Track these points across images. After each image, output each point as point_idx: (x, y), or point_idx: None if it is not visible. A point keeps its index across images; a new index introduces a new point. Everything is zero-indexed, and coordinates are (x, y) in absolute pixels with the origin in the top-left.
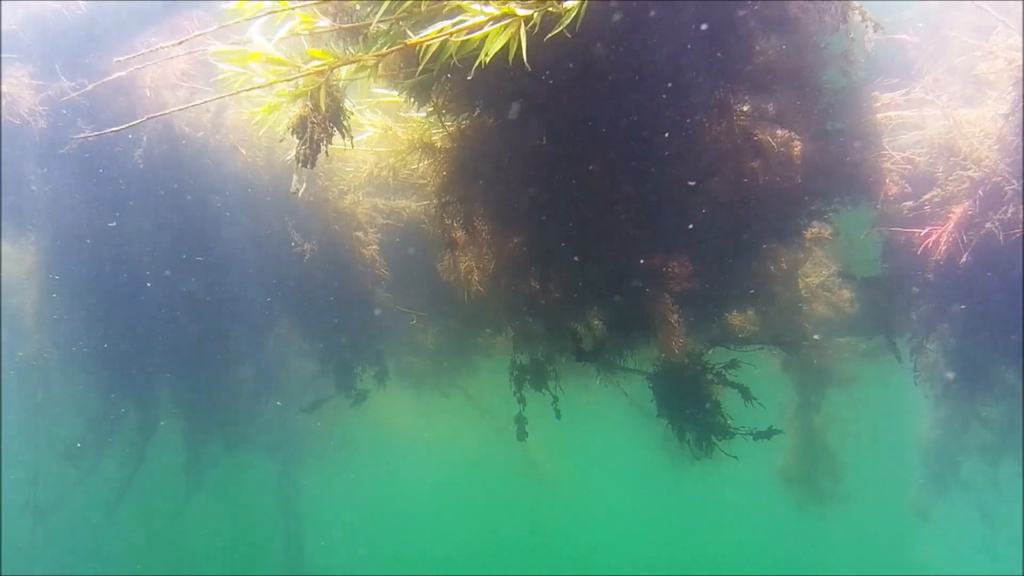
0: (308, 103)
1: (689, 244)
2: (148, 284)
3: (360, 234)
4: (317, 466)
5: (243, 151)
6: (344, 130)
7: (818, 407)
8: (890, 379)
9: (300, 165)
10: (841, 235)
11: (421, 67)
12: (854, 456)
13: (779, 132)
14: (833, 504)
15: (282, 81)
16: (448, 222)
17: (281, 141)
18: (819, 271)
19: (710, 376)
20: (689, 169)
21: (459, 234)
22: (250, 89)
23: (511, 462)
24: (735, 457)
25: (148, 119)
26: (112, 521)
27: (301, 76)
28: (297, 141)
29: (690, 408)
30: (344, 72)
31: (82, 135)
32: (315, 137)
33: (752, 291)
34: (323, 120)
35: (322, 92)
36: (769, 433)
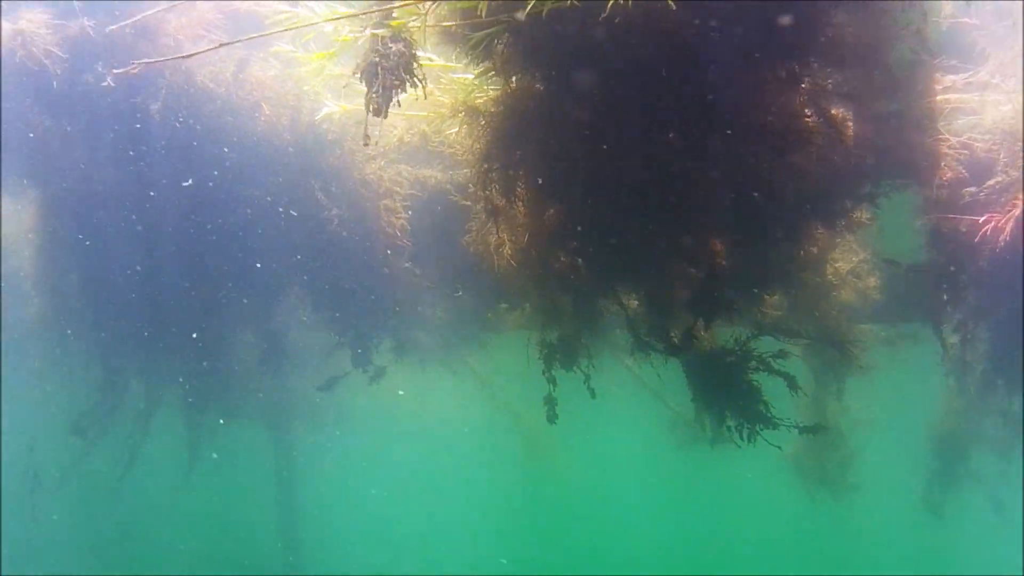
0: (379, 47)
1: (733, 222)
2: (156, 246)
3: (387, 202)
4: (313, 438)
5: (266, 108)
6: (417, 79)
7: (839, 395)
8: (905, 367)
9: (372, 114)
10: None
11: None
12: (865, 445)
13: (836, 109)
14: (844, 493)
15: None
16: (488, 190)
17: (344, 87)
18: (848, 256)
19: (754, 363)
20: (747, 145)
21: (500, 203)
22: (305, 26)
23: (511, 439)
24: (779, 447)
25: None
26: (117, 494)
27: (396, 7)
28: (366, 89)
29: (731, 396)
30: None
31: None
32: (386, 84)
33: (785, 275)
34: (396, 65)
35: (424, 25)
36: (816, 428)
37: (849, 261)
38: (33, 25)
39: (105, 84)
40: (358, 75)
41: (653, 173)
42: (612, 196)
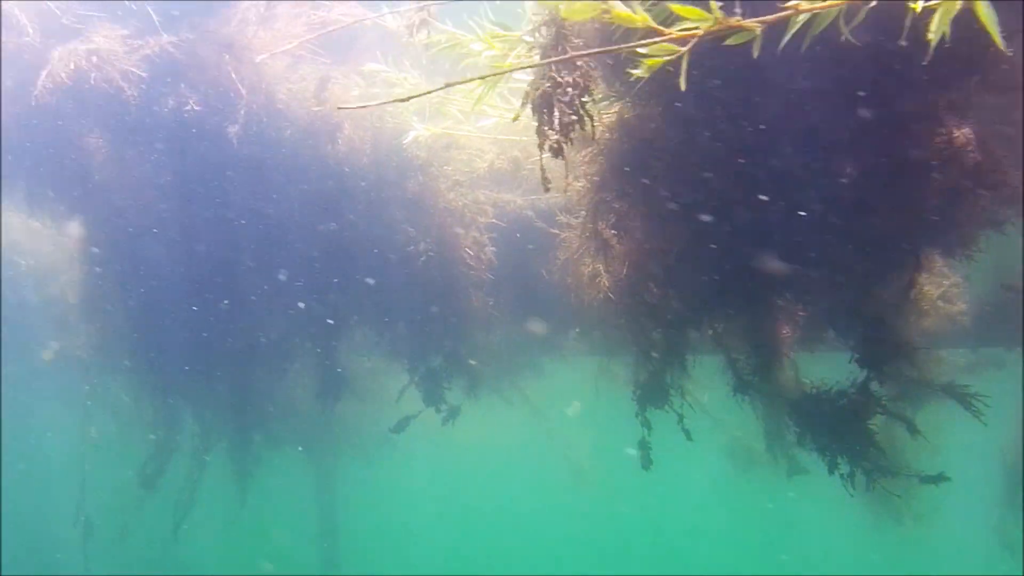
0: (554, 75)
1: (845, 255)
2: (221, 276)
3: (473, 233)
4: (354, 464)
5: (347, 130)
6: (587, 113)
7: (913, 424)
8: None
9: (551, 155)
10: None
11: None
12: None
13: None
14: (910, 523)
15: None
16: (598, 222)
17: (515, 120)
18: (938, 281)
19: (872, 407)
20: (897, 174)
21: (609, 234)
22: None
23: (560, 466)
24: (898, 496)
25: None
26: (179, 535)
27: (662, 41)
28: (536, 123)
29: (846, 441)
30: None
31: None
32: (564, 120)
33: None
34: (573, 99)
35: (684, 64)
36: (938, 478)
37: (940, 285)
38: (109, 43)
39: (188, 108)
40: (528, 106)
41: (772, 208)
42: (728, 231)
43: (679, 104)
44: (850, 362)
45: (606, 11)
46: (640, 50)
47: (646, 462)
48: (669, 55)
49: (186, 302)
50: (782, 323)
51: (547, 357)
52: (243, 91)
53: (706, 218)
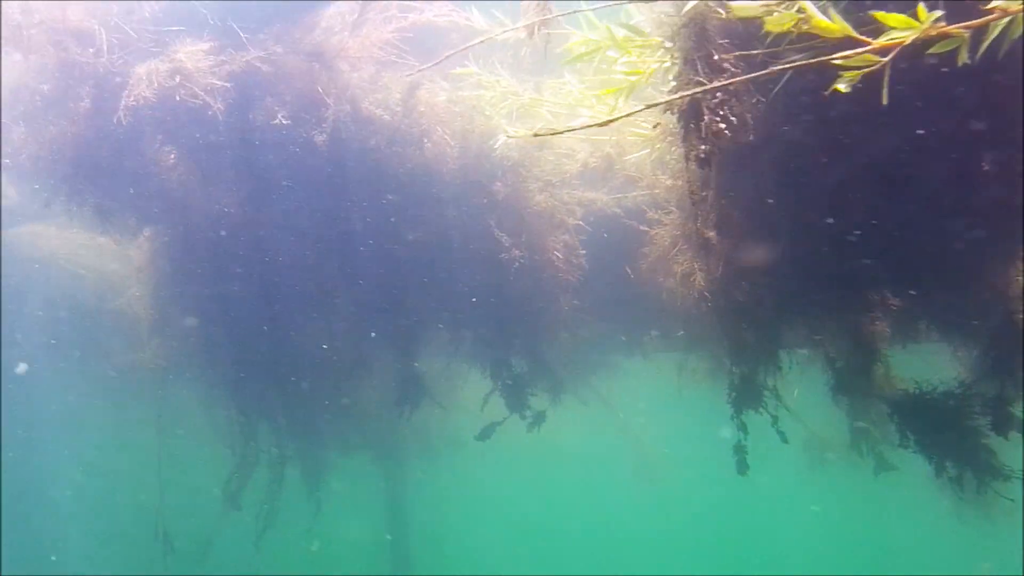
0: (702, 81)
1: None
2: (303, 289)
3: (564, 236)
4: (424, 467)
5: (435, 137)
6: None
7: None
8: None
9: (698, 166)
10: None
11: None
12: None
13: None
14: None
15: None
16: (699, 220)
17: (655, 127)
18: None
19: (979, 408)
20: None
21: (709, 233)
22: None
23: (629, 463)
24: (1011, 500)
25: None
26: (261, 550)
27: (864, 52)
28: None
29: (953, 444)
30: None
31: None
32: (713, 128)
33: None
34: (722, 103)
35: (886, 77)
36: None
37: None
38: (193, 60)
39: (276, 121)
40: (672, 113)
41: (883, 216)
42: (828, 229)
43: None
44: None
45: (804, 20)
46: (837, 61)
47: (742, 467)
48: (868, 66)
49: (266, 312)
50: (880, 319)
51: (623, 355)
52: (329, 101)
53: (816, 216)
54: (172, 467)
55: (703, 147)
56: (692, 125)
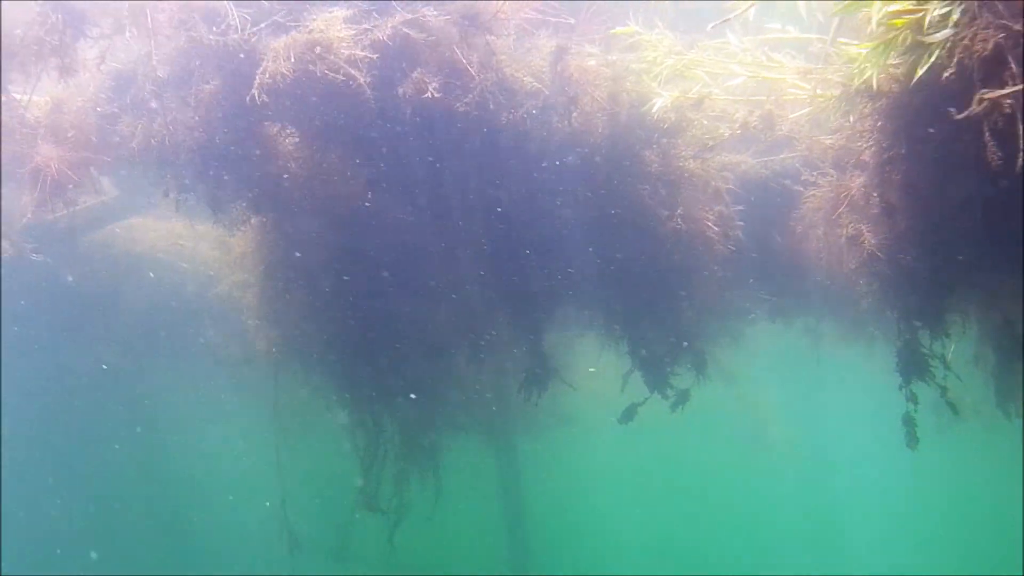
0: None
1: None
2: (428, 273)
3: (720, 207)
4: (533, 444)
5: (584, 103)
6: None
7: None
8: None
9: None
10: None
11: None
12: None
13: None
14: None
15: None
16: (886, 184)
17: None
18: None
19: None
20: None
21: (894, 197)
22: None
23: (743, 431)
24: None
25: None
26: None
27: None
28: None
29: None
30: None
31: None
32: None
33: None
34: None
35: None
36: None
37: None
38: (333, 30)
39: (428, 95)
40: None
41: None
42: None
43: None
44: None
45: None
46: None
47: (912, 440)
48: None
49: (392, 297)
50: None
51: (747, 323)
52: (472, 70)
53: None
54: (292, 462)
55: (1008, 102)
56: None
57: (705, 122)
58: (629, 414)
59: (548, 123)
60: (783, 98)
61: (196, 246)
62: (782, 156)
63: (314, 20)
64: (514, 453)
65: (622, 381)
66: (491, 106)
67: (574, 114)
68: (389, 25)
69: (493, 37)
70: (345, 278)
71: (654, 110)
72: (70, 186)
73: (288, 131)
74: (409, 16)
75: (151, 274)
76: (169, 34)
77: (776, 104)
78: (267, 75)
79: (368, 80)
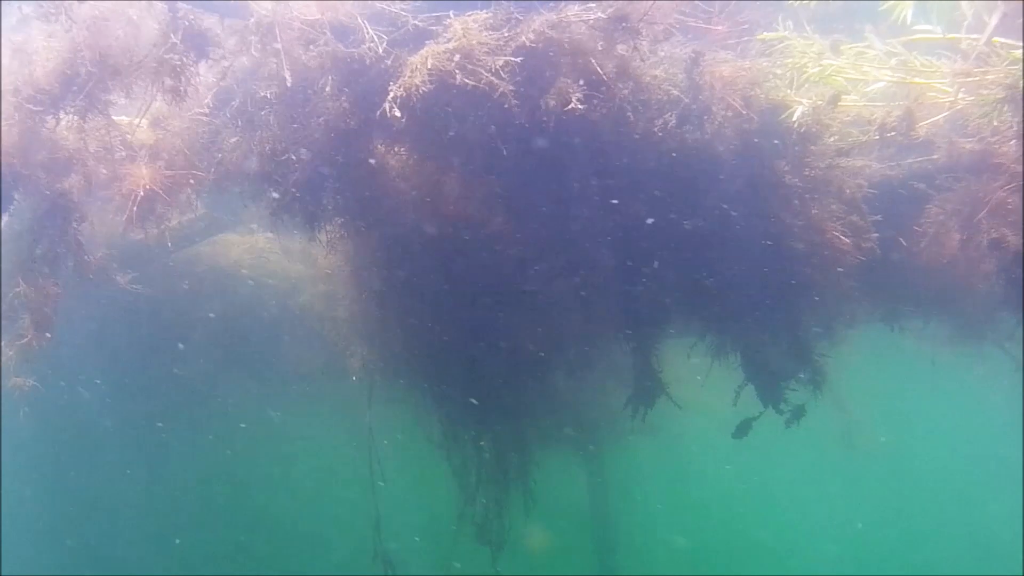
0: None
1: None
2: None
3: (854, 216)
4: (622, 455)
5: (717, 112)
6: None
7: None
8: None
9: None
10: None
11: None
12: None
13: None
14: None
15: None
16: None
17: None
18: None
19: None
20: None
21: None
22: None
23: (835, 435)
24: None
25: None
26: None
27: None
28: None
29: None
30: None
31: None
32: None
33: None
34: None
35: None
36: None
37: None
38: (474, 35)
39: (572, 105)
40: None
41: None
42: None
43: None
44: None
45: None
46: None
47: None
48: None
49: (500, 311)
50: None
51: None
52: (605, 77)
53: None
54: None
55: None
56: None
57: (840, 127)
58: (743, 429)
59: (682, 133)
60: (922, 100)
61: (281, 260)
62: (909, 160)
63: (451, 25)
64: (602, 464)
65: (734, 395)
66: (629, 116)
67: (706, 123)
68: (532, 28)
69: (635, 42)
70: (447, 295)
71: (795, 117)
72: (167, 206)
73: (403, 147)
74: (555, 17)
75: (235, 289)
76: (296, 51)
77: (916, 104)
78: (402, 89)
79: (511, 89)
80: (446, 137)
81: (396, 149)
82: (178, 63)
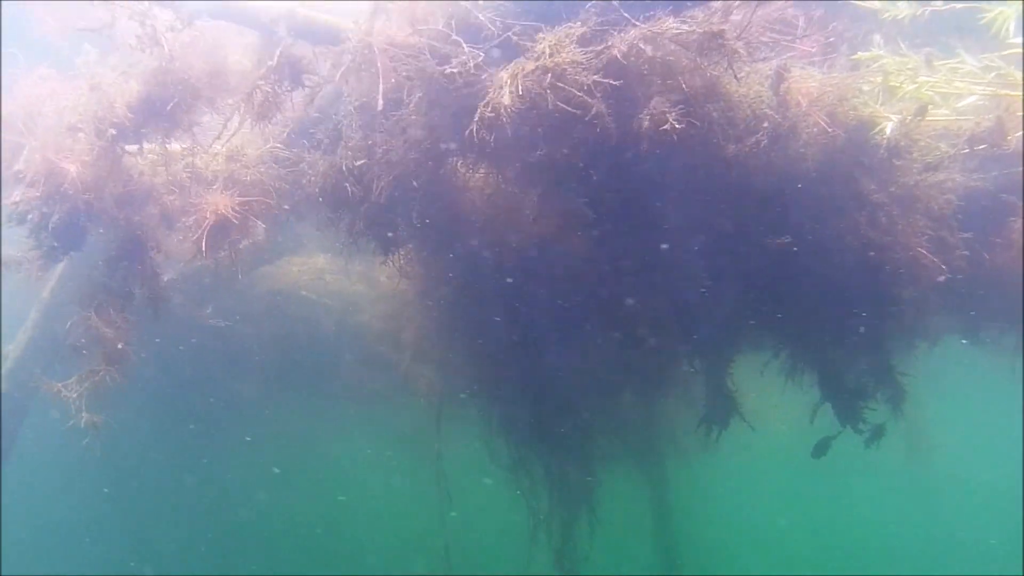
0: None
1: None
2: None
3: (944, 232)
4: (686, 473)
5: (803, 129)
6: None
7: None
8: None
9: None
10: None
11: None
12: None
13: None
14: None
15: None
16: None
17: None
18: None
19: None
20: None
21: None
22: None
23: (900, 448)
24: None
25: None
26: None
27: None
28: None
29: None
30: None
31: None
32: None
33: None
34: None
35: None
36: None
37: None
38: (567, 52)
39: (667, 125)
40: None
41: None
42: None
43: None
44: None
45: None
46: None
47: None
48: None
49: (573, 334)
50: None
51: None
52: (695, 95)
53: None
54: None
55: None
56: None
57: (928, 141)
58: (822, 448)
59: (769, 151)
60: (1012, 110)
61: (341, 281)
62: (995, 173)
63: (541, 41)
64: (666, 480)
65: (811, 413)
66: (717, 136)
67: (793, 141)
68: (625, 40)
69: (729, 60)
70: (519, 318)
71: (887, 133)
72: (240, 234)
73: (485, 167)
74: (647, 30)
75: (293, 311)
76: (388, 74)
77: (1007, 114)
78: (488, 108)
79: (603, 107)
80: (532, 157)
81: (478, 171)
82: (270, 91)
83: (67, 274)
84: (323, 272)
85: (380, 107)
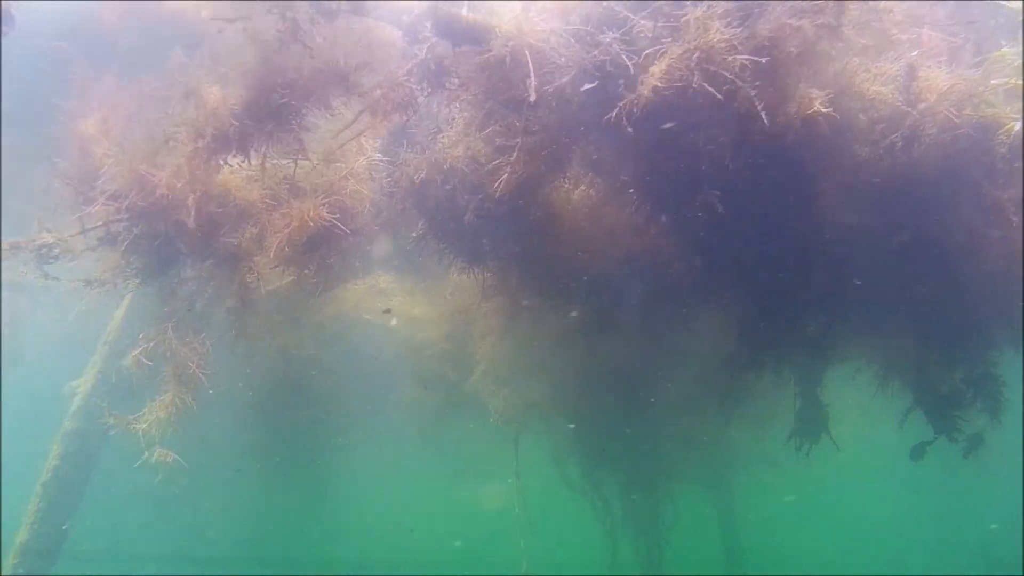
0: None
1: None
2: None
3: None
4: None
5: (927, 128)
6: None
7: None
8: None
9: None
10: None
11: None
12: None
13: None
14: None
15: None
16: None
17: None
18: None
19: None
20: None
21: None
22: None
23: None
24: None
25: None
26: None
27: None
28: None
29: None
30: None
31: None
32: None
33: None
34: None
35: None
36: None
37: None
38: (715, 32)
39: (813, 110)
40: None
41: None
42: None
43: None
44: None
45: None
46: None
47: None
48: None
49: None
50: None
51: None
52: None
53: None
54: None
55: None
56: None
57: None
58: (919, 452)
59: (893, 153)
60: None
61: (404, 301)
62: None
63: (686, 15)
64: (732, 495)
65: (901, 418)
66: (847, 133)
67: (916, 143)
68: (771, 17)
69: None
70: (601, 334)
71: (1015, 130)
72: (331, 249)
73: (598, 175)
74: (791, 4)
75: (357, 332)
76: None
77: None
78: (628, 104)
79: (754, 93)
80: (666, 155)
81: (588, 179)
82: (405, 97)
83: (135, 305)
84: (386, 292)
85: (533, 99)
